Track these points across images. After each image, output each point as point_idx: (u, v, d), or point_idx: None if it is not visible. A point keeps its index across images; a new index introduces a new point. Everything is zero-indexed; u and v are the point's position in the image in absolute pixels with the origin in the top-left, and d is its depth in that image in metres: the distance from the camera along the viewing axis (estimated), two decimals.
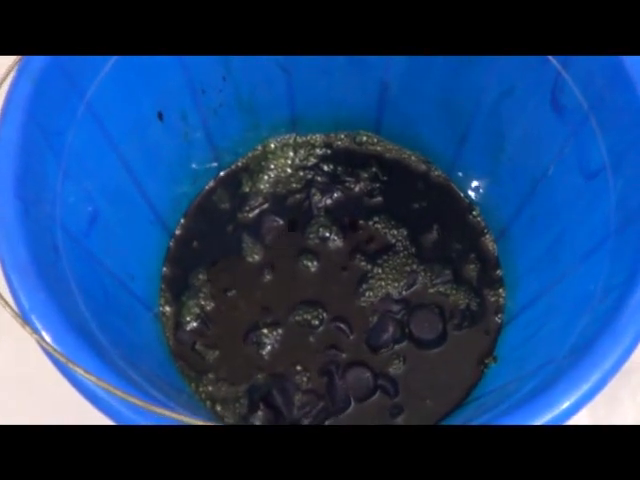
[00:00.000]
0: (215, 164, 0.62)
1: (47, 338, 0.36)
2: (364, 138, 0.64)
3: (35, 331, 0.36)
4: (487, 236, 0.61)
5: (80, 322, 0.40)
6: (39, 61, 0.43)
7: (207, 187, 0.62)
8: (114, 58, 0.48)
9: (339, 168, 0.63)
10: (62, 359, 0.35)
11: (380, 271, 0.58)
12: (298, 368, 0.55)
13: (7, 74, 0.42)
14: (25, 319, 0.36)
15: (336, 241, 0.60)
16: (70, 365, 0.35)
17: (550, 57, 0.48)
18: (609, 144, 0.46)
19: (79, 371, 0.34)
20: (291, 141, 0.64)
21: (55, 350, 0.35)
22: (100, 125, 0.49)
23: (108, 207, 0.50)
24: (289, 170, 0.63)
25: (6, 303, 0.35)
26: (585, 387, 0.37)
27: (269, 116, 0.62)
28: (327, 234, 0.60)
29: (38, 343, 0.36)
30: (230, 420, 0.54)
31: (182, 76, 0.54)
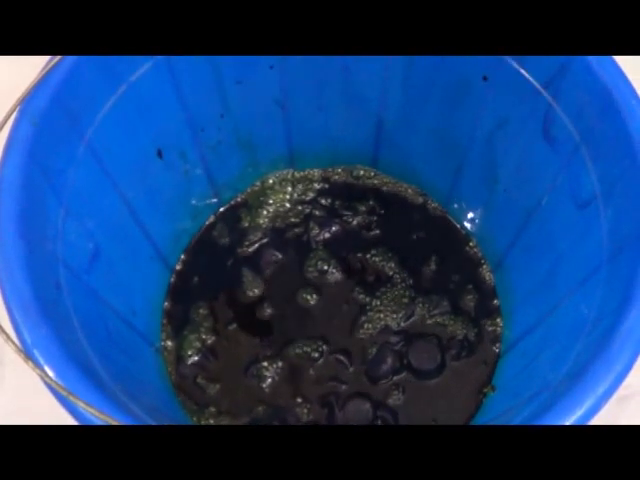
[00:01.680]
0: (215, 200, 0.63)
1: (49, 372, 0.37)
2: (361, 172, 0.65)
3: (37, 366, 0.36)
4: (484, 266, 0.61)
5: (82, 357, 0.40)
6: (40, 102, 0.44)
7: (207, 222, 0.63)
8: (113, 98, 0.49)
9: (337, 202, 0.64)
10: (64, 392, 0.35)
11: (379, 303, 0.59)
12: (298, 400, 0.56)
13: (8, 116, 0.43)
14: (28, 354, 0.37)
15: (335, 274, 0.61)
16: (71, 398, 0.35)
17: (541, 89, 0.49)
18: (600, 174, 0.47)
19: (80, 404, 0.35)
20: (289, 176, 0.65)
21: (57, 384, 0.36)
22: (100, 163, 0.49)
23: (109, 244, 0.51)
24: (288, 205, 0.64)
25: (8, 338, 0.36)
26: (579, 412, 0.37)
27: (267, 152, 0.63)
28: (326, 267, 0.61)
29: (40, 377, 0.36)
30: None
31: (181, 114, 0.55)
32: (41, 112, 0.44)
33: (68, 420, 0.38)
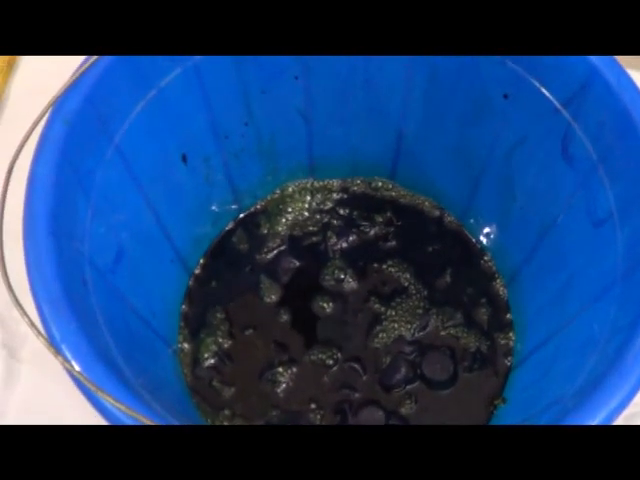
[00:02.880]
0: (235, 206, 0.64)
1: (77, 367, 0.38)
2: (379, 184, 0.66)
3: (66, 360, 0.37)
4: (498, 281, 0.62)
5: (107, 353, 0.41)
6: (73, 103, 0.45)
7: (227, 228, 0.64)
8: (142, 102, 0.50)
9: (355, 212, 0.65)
10: (92, 387, 0.36)
11: (393, 313, 0.60)
12: (312, 406, 0.57)
13: (42, 115, 0.44)
14: (57, 349, 0.38)
15: (351, 283, 0.61)
16: (99, 394, 0.36)
17: (561, 108, 0.50)
18: (617, 193, 0.48)
19: (109, 399, 0.36)
20: (309, 185, 0.66)
21: (85, 379, 0.37)
22: (127, 165, 0.50)
23: (133, 245, 0.52)
24: (306, 213, 0.64)
25: (39, 333, 0.37)
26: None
27: (288, 161, 0.64)
28: (342, 276, 0.61)
29: (68, 371, 0.37)
30: None
31: (207, 121, 0.56)
32: (73, 113, 0.45)
33: (84, 418, 0.38)
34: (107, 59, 0.46)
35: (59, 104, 0.45)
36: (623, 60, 0.47)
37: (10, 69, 0.70)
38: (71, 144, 0.44)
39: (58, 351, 0.38)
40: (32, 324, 0.37)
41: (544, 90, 0.50)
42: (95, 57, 0.45)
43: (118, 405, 0.36)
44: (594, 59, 0.47)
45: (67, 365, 0.37)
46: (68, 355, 0.38)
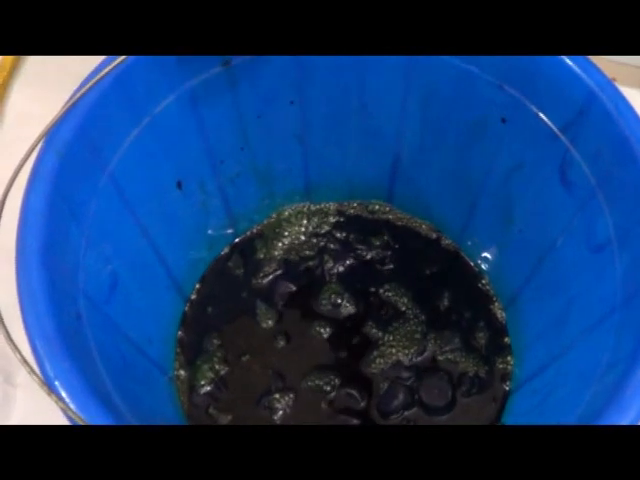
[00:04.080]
0: (231, 231, 0.63)
1: (71, 405, 0.37)
2: (376, 207, 0.66)
3: (60, 398, 0.37)
4: (496, 304, 0.62)
5: (101, 389, 0.41)
6: (65, 133, 0.45)
7: (223, 253, 0.64)
8: (136, 130, 0.50)
9: (351, 236, 0.64)
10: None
11: (391, 338, 0.59)
12: None
13: (34, 147, 0.44)
14: (50, 387, 0.37)
15: (348, 308, 0.61)
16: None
17: (559, 133, 0.50)
18: (616, 219, 0.47)
19: None
20: (305, 209, 0.65)
21: (79, 418, 0.36)
22: (121, 194, 0.50)
23: (127, 273, 0.52)
24: (303, 237, 0.64)
25: (32, 371, 0.37)
26: None
27: (284, 185, 0.64)
28: (339, 301, 0.61)
29: (62, 410, 0.37)
30: None
31: (202, 147, 0.56)
32: (66, 143, 0.45)
33: None
34: (100, 87, 0.46)
35: (51, 135, 0.44)
36: (623, 77, 0.47)
37: (3, 94, 0.70)
38: (64, 175, 0.44)
39: (51, 389, 0.37)
40: (24, 361, 0.37)
41: (542, 115, 0.50)
42: (87, 87, 0.45)
43: None
44: (592, 84, 0.47)
45: (60, 404, 0.36)
46: (62, 393, 0.38)
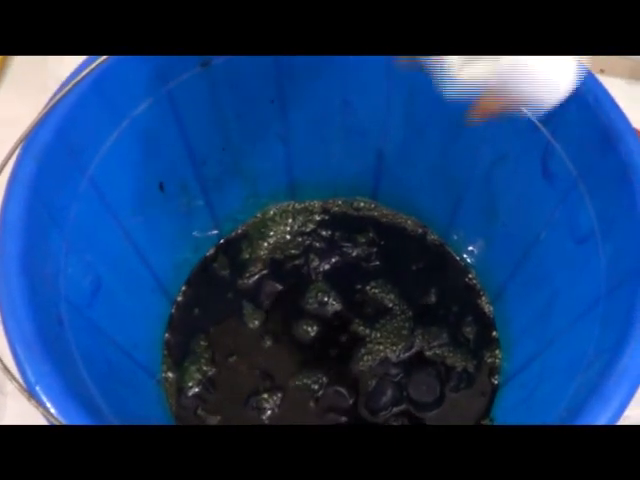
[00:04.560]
0: (215, 231, 0.63)
1: (52, 410, 0.37)
2: (361, 204, 0.66)
3: (40, 404, 0.37)
4: (483, 298, 0.62)
5: (84, 393, 0.41)
6: (43, 137, 0.44)
7: (208, 254, 0.64)
8: (115, 133, 0.50)
9: (337, 233, 0.64)
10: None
11: (378, 335, 0.59)
12: None
13: (12, 153, 0.43)
14: (30, 391, 0.37)
15: (334, 305, 0.61)
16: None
17: (540, 125, 0.50)
18: (598, 210, 0.47)
19: None
20: (290, 208, 0.65)
21: (59, 422, 0.36)
22: (102, 197, 0.50)
23: (111, 277, 0.51)
24: (288, 236, 0.64)
25: (13, 377, 0.36)
26: None
27: (268, 184, 0.63)
28: (326, 299, 0.61)
29: (43, 415, 0.37)
30: None
31: (183, 148, 0.56)
32: (44, 147, 0.44)
33: None
34: (79, 89, 0.46)
35: (29, 141, 0.44)
36: (612, 68, 0.47)
37: None
38: (42, 181, 0.44)
39: (32, 394, 0.37)
40: (5, 369, 0.37)
41: (523, 108, 0.50)
42: (65, 90, 0.45)
43: None
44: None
45: (41, 410, 0.36)
46: (43, 398, 0.37)
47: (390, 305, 0.61)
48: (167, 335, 0.60)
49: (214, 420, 0.57)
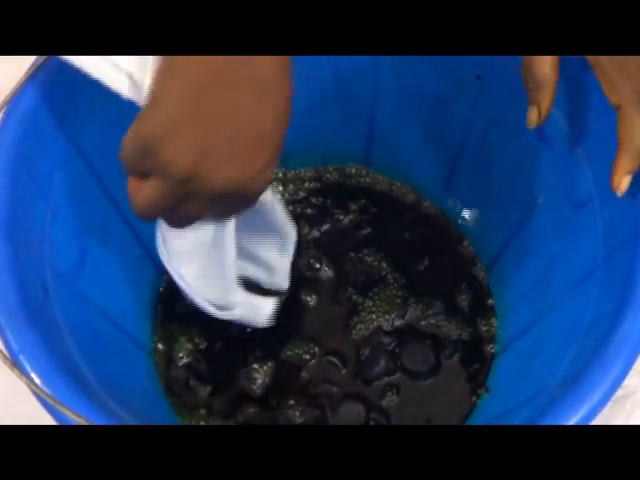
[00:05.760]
0: None
1: (36, 380, 0.36)
2: (353, 171, 0.65)
3: (24, 373, 0.36)
4: (478, 265, 0.61)
5: (69, 363, 0.40)
6: (27, 101, 0.43)
7: None
8: (103, 95, 0.48)
9: (328, 201, 0.63)
10: (50, 401, 0.35)
11: (371, 304, 0.58)
12: (290, 402, 0.55)
13: None
14: (14, 361, 0.36)
15: (327, 272, 0.60)
16: (58, 407, 0.35)
17: None
18: (596, 175, 0.47)
19: (68, 413, 0.34)
20: (280, 176, 0.64)
21: (43, 392, 0.35)
22: (87, 163, 0.49)
23: (97, 245, 0.50)
24: None
25: None
26: (574, 420, 0.37)
27: None
28: (318, 265, 0.60)
29: (27, 385, 0.36)
30: None
31: None
32: (28, 112, 0.44)
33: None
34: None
35: (12, 105, 0.43)
36: None
37: None
38: (26, 146, 0.43)
39: (15, 363, 0.36)
40: None
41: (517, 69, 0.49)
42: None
43: (77, 418, 0.34)
44: None
45: (24, 379, 0.35)
46: (27, 367, 0.37)
47: (383, 273, 0.60)
48: (157, 305, 0.59)
49: (205, 390, 0.56)
